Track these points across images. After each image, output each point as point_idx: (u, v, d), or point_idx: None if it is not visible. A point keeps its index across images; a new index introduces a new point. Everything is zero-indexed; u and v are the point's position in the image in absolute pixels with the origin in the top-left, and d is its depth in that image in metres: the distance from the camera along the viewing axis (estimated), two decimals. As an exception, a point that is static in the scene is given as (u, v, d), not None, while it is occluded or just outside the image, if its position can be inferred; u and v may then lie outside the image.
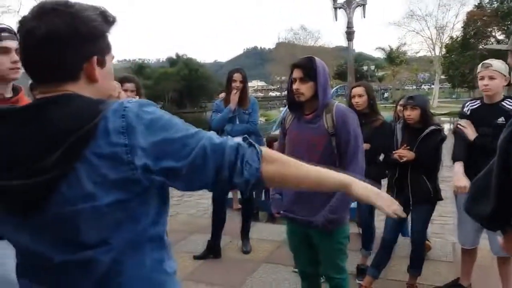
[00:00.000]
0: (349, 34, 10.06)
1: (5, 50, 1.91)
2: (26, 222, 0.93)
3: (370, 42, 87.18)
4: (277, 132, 9.09)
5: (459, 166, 2.87)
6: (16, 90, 2.08)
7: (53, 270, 0.97)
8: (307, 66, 2.30)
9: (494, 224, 1.20)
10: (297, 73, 2.31)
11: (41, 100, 0.95)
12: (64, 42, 0.93)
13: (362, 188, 1.15)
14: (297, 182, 1.09)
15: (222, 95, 4.41)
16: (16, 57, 1.95)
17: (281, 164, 1.04)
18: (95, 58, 0.98)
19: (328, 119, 2.29)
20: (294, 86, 2.31)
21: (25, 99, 2.15)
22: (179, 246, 4.39)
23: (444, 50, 38.81)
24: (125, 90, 3.85)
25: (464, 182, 2.80)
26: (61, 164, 0.88)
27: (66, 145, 0.87)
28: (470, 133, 2.87)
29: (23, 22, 0.94)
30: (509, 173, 1.07)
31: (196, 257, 4.00)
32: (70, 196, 0.89)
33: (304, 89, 2.29)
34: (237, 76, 3.94)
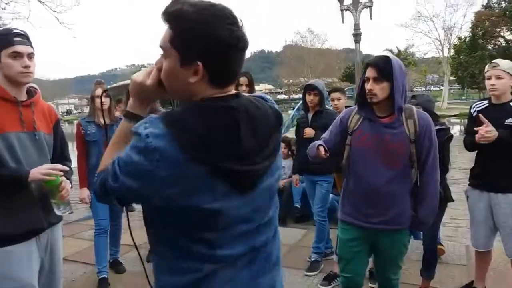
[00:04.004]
0: (356, 36, 10.04)
1: (17, 55, 1.90)
2: (244, 197, 1.09)
3: (378, 43, 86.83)
4: (287, 134, 9.07)
5: None
6: (31, 93, 2.10)
7: (254, 233, 1.14)
8: (382, 65, 2.17)
9: None
10: (370, 73, 2.19)
11: (242, 99, 1.10)
12: None
13: None
14: None
15: None
16: (27, 62, 1.94)
17: None
18: None
19: (410, 124, 2.18)
20: (367, 86, 2.19)
21: (41, 101, 2.16)
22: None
23: (452, 51, 38.47)
24: None
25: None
26: (276, 148, 1.17)
27: (277, 132, 1.18)
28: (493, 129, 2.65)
29: (242, 34, 1.06)
30: None
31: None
32: (273, 170, 1.16)
33: (378, 90, 2.17)
34: (243, 80, 3.90)
